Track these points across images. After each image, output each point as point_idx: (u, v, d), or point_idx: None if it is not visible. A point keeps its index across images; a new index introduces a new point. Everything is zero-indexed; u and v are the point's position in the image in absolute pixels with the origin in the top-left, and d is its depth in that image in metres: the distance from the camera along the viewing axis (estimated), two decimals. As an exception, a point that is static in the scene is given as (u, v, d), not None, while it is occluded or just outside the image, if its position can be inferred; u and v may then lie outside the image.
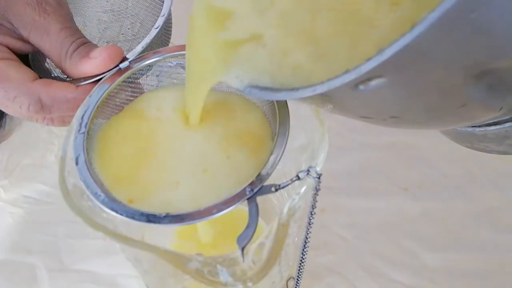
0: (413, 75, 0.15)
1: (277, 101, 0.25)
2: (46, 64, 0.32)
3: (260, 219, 0.21)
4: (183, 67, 0.28)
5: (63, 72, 0.28)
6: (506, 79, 0.16)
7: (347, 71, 0.15)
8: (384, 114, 0.19)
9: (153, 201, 0.23)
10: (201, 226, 0.33)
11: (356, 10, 0.18)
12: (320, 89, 0.16)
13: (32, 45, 0.28)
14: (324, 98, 0.17)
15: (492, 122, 0.27)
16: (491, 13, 0.12)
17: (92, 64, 0.26)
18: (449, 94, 0.16)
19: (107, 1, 0.37)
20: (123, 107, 0.28)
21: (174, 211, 0.22)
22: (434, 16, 0.12)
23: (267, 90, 0.19)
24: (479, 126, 0.28)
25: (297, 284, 0.29)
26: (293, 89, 0.18)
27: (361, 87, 0.15)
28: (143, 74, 0.28)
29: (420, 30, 0.12)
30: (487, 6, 0.12)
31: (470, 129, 0.27)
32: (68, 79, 0.28)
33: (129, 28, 0.37)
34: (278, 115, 0.25)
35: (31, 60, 0.30)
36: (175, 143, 0.26)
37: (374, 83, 0.15)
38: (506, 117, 0.24)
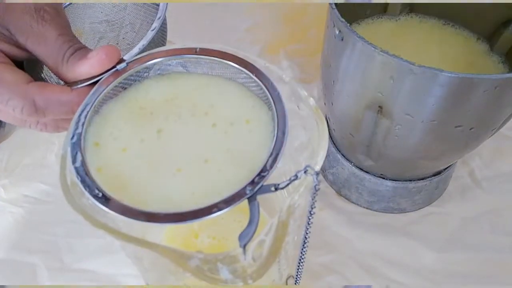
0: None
1: (274, 100, 0.25)
2: (41, 72, 0.31)
3: (264, 212, 0.21)
4: (183, 66, 0.28)
5: (59, 77, 0.28)
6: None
7: None
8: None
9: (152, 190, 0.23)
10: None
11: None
12: None
13: (28, 52, 0.28)
14: None
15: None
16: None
17: (89, 63, 0.26)
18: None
19: (101, 12, 0.38)
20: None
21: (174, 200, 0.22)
22: None
23: None
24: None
25: (297, 283, 0.29)
26: None
27: None
28: (141, 76, 0.28)
29: None
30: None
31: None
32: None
33: (123, 38, 0.37)
34: (277, 115, 0.24)
35: (26, 67, 0.30)
36: (173, 132, 0.25)
37: None
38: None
